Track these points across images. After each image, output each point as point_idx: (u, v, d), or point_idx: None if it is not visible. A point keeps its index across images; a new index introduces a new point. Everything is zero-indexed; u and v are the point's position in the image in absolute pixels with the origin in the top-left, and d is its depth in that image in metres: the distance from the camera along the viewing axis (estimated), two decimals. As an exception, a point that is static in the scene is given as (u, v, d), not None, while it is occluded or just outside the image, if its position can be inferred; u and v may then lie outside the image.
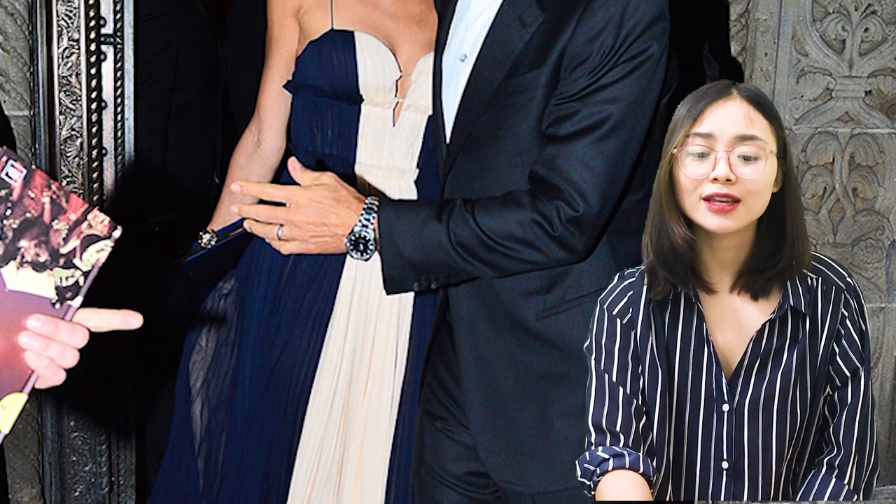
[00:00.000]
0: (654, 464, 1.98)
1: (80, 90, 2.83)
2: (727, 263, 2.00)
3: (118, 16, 2.88)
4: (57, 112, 2.84)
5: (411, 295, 2.77)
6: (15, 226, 1.35)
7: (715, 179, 1.92)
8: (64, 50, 2.81)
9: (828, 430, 2.02)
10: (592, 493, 1.98)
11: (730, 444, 2.00)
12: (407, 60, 2.74)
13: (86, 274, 1.40)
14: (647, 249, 2.03)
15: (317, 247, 2.16)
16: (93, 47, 2.83)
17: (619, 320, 2.02)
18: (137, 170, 3.01)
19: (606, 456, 1.96)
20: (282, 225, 2.14)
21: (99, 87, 2.87)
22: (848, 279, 2.03)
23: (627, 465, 1.95)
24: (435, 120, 2.35)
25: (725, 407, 1.99)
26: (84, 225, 1.39)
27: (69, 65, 2.82)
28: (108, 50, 2.89)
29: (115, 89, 2.91)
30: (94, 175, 2.89)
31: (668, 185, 1.97)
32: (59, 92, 2.83)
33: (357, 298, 2.77)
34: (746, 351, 1.99)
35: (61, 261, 1.38)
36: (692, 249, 1.98)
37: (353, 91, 2.71)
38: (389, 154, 2.76)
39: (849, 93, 3.20)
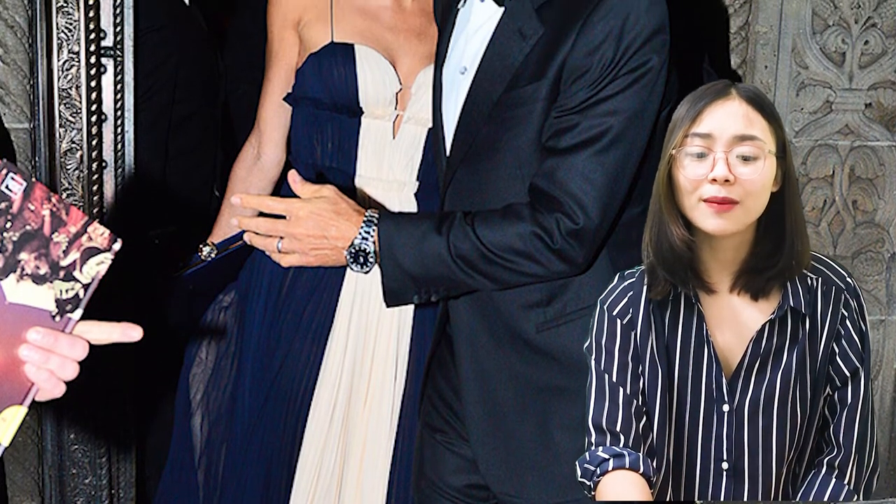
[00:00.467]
0: (654, 464, 1.98)
1: (80, 103, 2.83)
2: (727, 263, 2.00)
3: (118, 28, 2.88)
4: (57, 125, 2.84)
5: (411, 307, 2.77)
6: (15, 238, 1.35)
7: (714, 180, 1.93)
8: (64, 62, 2.81)
9: (828, 430, 2.02)
10: (592, 493, 1.98)
11: (730, 444, 2.00)
12: (407, 73, 2.74)
13: (86, 286, 1.40)
14: (647, 249, 2.03)
15: (317, 259, 2.16)
16: (93, 60, 2.83)
17: (619, 320, 2.02)
18: (137, 182, 3.00)
19: (606, 456, 1.96)
20: (282, 237, 2.14)
21: (99, 100, 2.87)
22: (848, 279, 2.03)
23: (627, 466, 1.95)
24: (435, 132, 2.35)
25: (725, 407, 1.99)
26: (84, 237, 1.39)
27: (69, 77, 2.82)
28: (108, 62, 2.89)
29: (115, 102, 2.91)
30: (94, 188, 2.89)
31: (667, 186, 1.98)
32: (59, 104, 2.83)
33: (357, 311, 2.77)
34: (746, 351, 1.99)
35: (61, 273, 1.38)
36: (691, 250, 1.98)
37: (353, 104, 2.71)
38: (389, 166, 2.75)
39: (849, 105, 3.20)
